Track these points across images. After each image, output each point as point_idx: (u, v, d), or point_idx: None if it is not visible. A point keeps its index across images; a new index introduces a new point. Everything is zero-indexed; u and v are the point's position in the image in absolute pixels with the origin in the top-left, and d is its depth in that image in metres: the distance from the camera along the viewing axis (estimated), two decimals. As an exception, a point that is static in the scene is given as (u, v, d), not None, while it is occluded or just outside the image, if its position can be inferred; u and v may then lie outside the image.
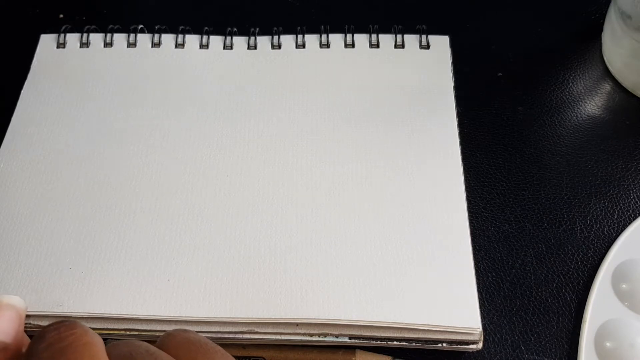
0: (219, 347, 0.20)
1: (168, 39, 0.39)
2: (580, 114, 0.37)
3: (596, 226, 0.33)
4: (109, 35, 0.39)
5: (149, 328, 0.29)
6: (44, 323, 0.29)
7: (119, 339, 0.28)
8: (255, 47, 0.38)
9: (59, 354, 0.17)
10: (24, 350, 0.22)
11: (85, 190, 0.33)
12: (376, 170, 0.33)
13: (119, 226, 0.31)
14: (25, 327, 0.29)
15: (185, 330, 0.21)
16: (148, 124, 0.35)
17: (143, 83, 0.37)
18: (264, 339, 0.29)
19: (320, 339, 0.29)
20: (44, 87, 0.37)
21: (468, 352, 0.29)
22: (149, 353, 0.19)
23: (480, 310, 0.29)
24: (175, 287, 0.29)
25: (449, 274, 0.29)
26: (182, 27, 0.39)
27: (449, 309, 0.28)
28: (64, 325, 0.18)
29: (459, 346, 0.29)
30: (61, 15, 0.41)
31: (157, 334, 0.29)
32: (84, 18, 0.40)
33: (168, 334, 0.20)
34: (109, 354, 0.18)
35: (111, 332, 0.29)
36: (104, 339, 0.28)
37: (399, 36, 0.38)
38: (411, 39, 0.38)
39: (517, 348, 0.29)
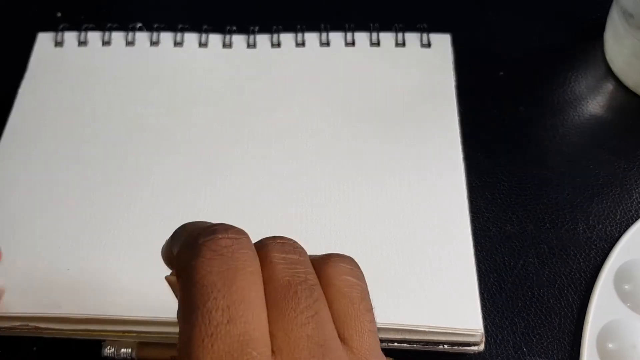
0: (374, 317, 0.19)
1: (167, 37, 0.38)
2: (582, 113, 0.36)
3: (598, 227, 0.32)
4: (107, 33, 0.38)
5: (148, 330, 0.28)
6: (43, 325, 0.28)
7: (117, 340, 0.28)
8: (254, 46, 0.38)
9: (229, 275, 0.16)
10: None
11: (83, 190, 0.32)
12: (377, 170, 0.33)
13: (118, 227, 0.31)
14: (23, 329, 0.29)
15: (354, 272, 0.19)
16: (146, 122, 0.35)
17: (141, 82, 0.36)
18: (264, 341, 0.29)
19: (321, 340, 0.28)
20: (42, 86, 0.36)
21: (470, 354, 0.29)
22: (312, 295, 0.17)
23: (482, 311, 0.28)
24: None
25: (450, 275, 0.29)
26: (180, 25, 0.39)
27: (450, 311, 0.28)
28: (237, 239, 0.17)
29: (461, 347, 0.28)
30: (59, 14, 0.41)
31: (157, 335, 0.28)
32: (82, 16, 0.40)
33: (335, 263, 0.19)
34: (269, 278, 0.17)
35: (109, 333, 0.29)
36: (102, 340, 0.28)
37: (400, 34, 0.38)
38: (412, 38, 0.38)
39: (519, 349, 0.29)
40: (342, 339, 0.18)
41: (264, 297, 0.17)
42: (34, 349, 0.29)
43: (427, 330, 0.28)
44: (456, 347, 0.28)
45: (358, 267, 0.20)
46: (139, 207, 0.32)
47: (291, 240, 0.19)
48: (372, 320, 0.18)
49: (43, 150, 0.34)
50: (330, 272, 0.18)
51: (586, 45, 0.39)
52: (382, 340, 0.28)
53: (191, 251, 0.17)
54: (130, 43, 0.38)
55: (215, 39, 0.38)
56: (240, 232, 0.18)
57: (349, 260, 0.19)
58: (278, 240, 0.18)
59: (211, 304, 0.16)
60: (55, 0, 0.41)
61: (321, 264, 0.19)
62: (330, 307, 0.18)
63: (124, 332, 0.28)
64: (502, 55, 0.39)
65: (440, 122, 0.34)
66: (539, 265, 0.31)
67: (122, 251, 0.30)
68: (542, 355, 0.29)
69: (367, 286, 0.19)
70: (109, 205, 0.32)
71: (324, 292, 0.18)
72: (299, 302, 0.17)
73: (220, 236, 0.17)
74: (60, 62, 0.37)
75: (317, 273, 0.18)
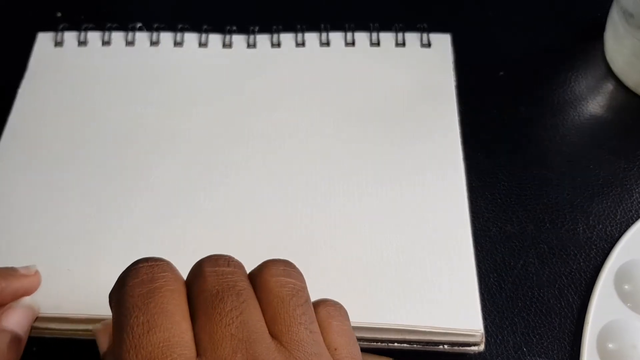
0: (316, 327, 0.20)
1: (167, 37, 0.38)
2: (582, 113, 0.36)
3: (599, 227, 0.32)
4: (107, 33, 0.38)
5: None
6: (42, 325, 0.28)
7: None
8: (254, 46, 0.38)
9: (149, 295, 0.19)
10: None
11: (83, 190, 0.32)
12: (376, 170, 0.33)
13: (118, 227, 0.31)
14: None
15: (287, 272, 0.21)
16: (146, 123, 0.35)
17: (141, 82, 0.36)
18: (264, 341, 0.29)
19: (321, 340, 0.28)
20: (42, 86, 0.36)
21: (470, 354, 0.29)
22: (239, 298, 0.19)
23: (482, 312, 0.28)
24: (174, 289, 0.29)
25: (450, 275, 0.29)
26: (180, 25, 0.39)
27: (450, 311, 0.28)
28: (157, 264, 0.20)
29: (461, 348, 0.28)
30: (59, 14, 0.41)
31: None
32: (82, 16, 0.40)
33: (267, 267, 0.21)
34: (201, 289, 0.19)
35: (110, 334, 0.29)
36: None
37: (400, 34, 0.38)
38: (412, 38, 0.38)
39: (519, 349, 0.29)
40: (273, 334, 0.19)
41: (186, 309, 0.19)
42: (34, 349, 0.29)
43: (427, 330, 0.28)
44: (456, 347, 0.28)
45: (293, 267, 0.21)
46: (139, 207, 0.32)
47: (226, 255, 0.21)
48: (304, 313, 0.20)
49: (43, 150, 0.34)
50: (264, 276, 0.20)
51: (586, 45, 0.39)
52: (382, 341, 0.28)
53: (118, 285, 0.20)
54: (130, 43, 0.38)
55: (215, 39, 0.38)
56: (158, 260, 0.20)
57: (283, 263, 0.21)
58: (213, 257, 0.20)
59: (133, 321, 0.18)
60: (55, 0, 0.41)
61: (256, 271, 0.21)
62: (263, 307, 0.19)
63: (124, 332, 0.28)
64: (502, 55, 0.39)
65: (440, 122, 0.34)
66: (539, 265, 0.31)
67: (123, 251, 0.30)
68: (542, 356, 0.29)
69: (302, 283, 0.21)
70: (109, 205, 0.32)
71: (258, 296, 0.20)
72: (225, 306, 0.19)
73: (140, 265, 0.20)
74: (60, 62, 0.37)
75: (253, 280, 0.20)
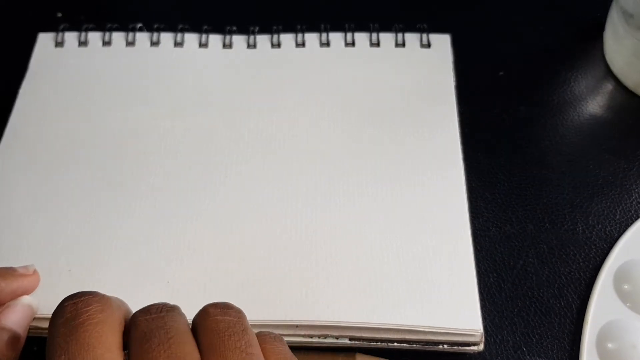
0: (255, 349, 0.20)
1: (167, 37, 0.38)
2: (582, 113, 0.36)
3: (598, 226, 0.33)
4: (107, 34, 0.38)
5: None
6: (43, 325, 0.28)
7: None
8: (254, 46, 0.38)
9: (71, 333, 0.19)
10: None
11: (84, 190, 0.32)
12: (376, 171, 0.33)
13: (118, 228, 0.31)
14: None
15: (224, 312, 0.21)
16: (147, 123, 0.35)
17: (142, 82, 0.37)
18: (264, 341, 0.29)
19: (321, 340, 0.28)
20: (42, 86, 0.36)
21: (469, 354, 0.29)
22: (167, 334, 0.19)
23: (482, 311, 0.29)
24: (174, 289, 0.29)
25: (450, 275, 0.29)
26: (181, 25, 0.39)
27: (450, 311, 0.28)
28: (81, 300, 0.20)
29: (460, 347, 0.28)
30: (59, 14, 0.41)
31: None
32: (82, 17, 0.40)
33: (204, 313, 0.21)
34: (134, 336, 0.20)
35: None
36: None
37: (400, 35, 0.38)
38: (412, 38, 0.38)
39: (519, 349, 0.29)
40: None
41: (115, 339, 0.20)
42: (35, 348, 0.29)
43: (426, 330, 0.28)
44: (456, 347, 0.28)
45: (232, 307, 0.22)
46: (140, 207, 0.32)
47: (160, 303, 0.21)
48: (240, 339, 0.20)
49: (44, 150, 0.34)
50: (201, 318, 0.21)
51: (586, 45, 0.39)
52: (381, 341, 0.28)
53: (49, 326, 0.20)
54: (130, 43, 0.38)
55: (215, 39, 0.38)
56: (84, 294, 0.20)
57: (222, 305, 0.22)
58: (146, 307, 0.21)
59: None
60: (55, 1, 0.41)
61: (195, 316, 0.21)
62: (201, 345, 0.20)
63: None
64: (502, 55, 0.39)
65: (440, 122, 0.34)
66: (539, 265, 0.31)
67: (123, 251, 0.30)
68: (542, 355, 0.29)
69: (240, 319, 0.21)
70: (109, 206, 0.32)
71: (196, 337, 0.20)
72: (152, 343, 0.19)
73: (65, 304, 0.20)
74: (60, 63, 0.37)
75: (193, 324, 0.21)
